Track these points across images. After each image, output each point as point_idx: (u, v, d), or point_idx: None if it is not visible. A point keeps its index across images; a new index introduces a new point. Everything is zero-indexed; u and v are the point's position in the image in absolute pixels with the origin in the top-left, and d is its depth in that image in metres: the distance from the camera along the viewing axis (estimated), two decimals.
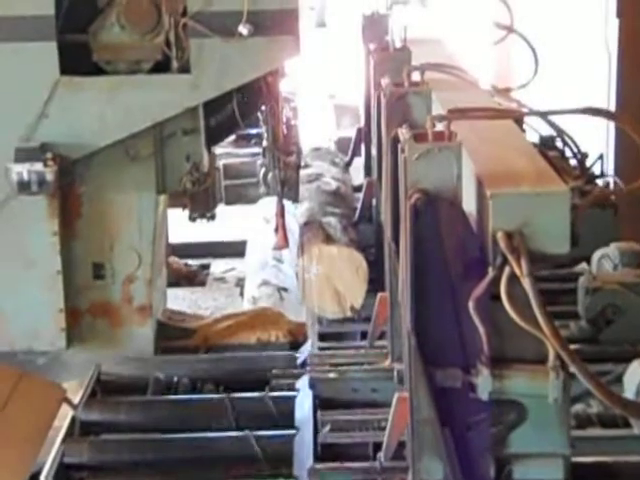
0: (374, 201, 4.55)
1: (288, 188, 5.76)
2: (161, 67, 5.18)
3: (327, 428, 3.74)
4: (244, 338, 5.74)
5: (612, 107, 5.97)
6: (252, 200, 8.41)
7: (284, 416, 4.37)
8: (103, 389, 4.89)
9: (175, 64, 5.12)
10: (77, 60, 5.10)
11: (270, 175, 5.94)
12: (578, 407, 3.13)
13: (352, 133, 5.80)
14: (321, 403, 3.95)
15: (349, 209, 4.78)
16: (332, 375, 3.99)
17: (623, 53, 5.96)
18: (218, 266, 7.71)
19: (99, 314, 5.42)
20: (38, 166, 5.00)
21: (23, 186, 5.02)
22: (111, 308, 5.42)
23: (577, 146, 3.71)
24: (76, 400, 4.62)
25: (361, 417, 3.79)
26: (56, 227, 5.21)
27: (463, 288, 2.34)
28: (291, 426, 4.26)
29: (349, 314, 4.17)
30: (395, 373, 3.59)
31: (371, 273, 4.15)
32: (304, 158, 5.53)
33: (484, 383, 2.31)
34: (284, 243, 5.81)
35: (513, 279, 2.22)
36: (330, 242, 4.14)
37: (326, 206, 4.62)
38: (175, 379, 4.93)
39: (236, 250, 7.60)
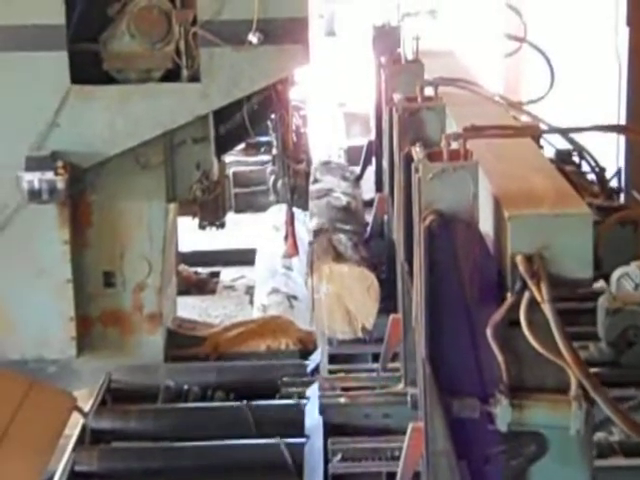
0: (386, 217, 4.46)
1: (298, 196, 5.76)
2: (171, 76, 5.20)
3: (338, 457, 3.64)
4: (254, 346, 5.74)
5: (622, 114, 5.95)
6: (262, 208, 8.43)
7: (294, 424, 4.37)
8: (113, 397, 4.89)
9: (185, 73, 5.14)
10: (88, 69, 5.13)
11: (280, 183, 5.95)
12: (599, 435, 3.01)
13: (362, 142, 5.78)
14: (331, 430, 3.83)
15: (360, 225, 4.68)
16: (343, 400, 3.87)
17: (633, 61, 5.95)
18: (228, 274, 7.71)
19: (109, 322, 5.43)
20: (49, 175, 5.02)
21: (34, 195, 5.03)
22: (121, 316, 5.43)
23: (596, 161, 3.56)
24: (86, 408, 4.62)
25: (373, 445, 3.67)
26: (67, 235, 5.22)
27: (480, 314, 2.25)
28: (301, 434, 4.26)
29: (360, 335, 4.03)
30: (408, 398, 3.46)
31: (383, 291, 4.04)
32: (313, 172, 5.41)
33: (503, 413, 2.21)
34: (294, 251, 5.80)
35: (533, 305, 2.13)
36: (340, 260, 4.01)
37: (336, 222, 4.52)
38: (185, 387, 4.93)
39: (246, 258, 7.60)
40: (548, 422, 2.22)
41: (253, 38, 4.94)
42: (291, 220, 5.70)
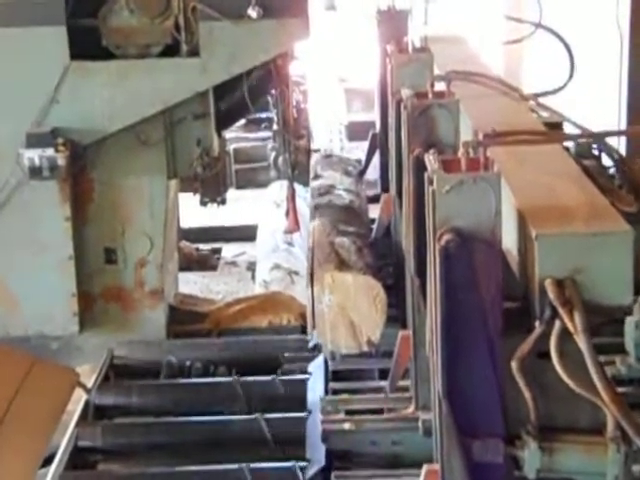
0: (392, 219, 4.21)
1: (299, 172, 5.75)
2: (171, 51, 5.17)
3: None
4: (256, 322, 5.75)
5: (624, 86, 5.92)
6: (263, 184, 8.43)
7: (296, 399, 4.38)
8: (116, 373, 4.91)
9: (184, 48, 5.11)
10: (87, 45, 5.10)
11: (280, 159, 5.93)
12: (635, 468, 2.79)
13: (363, 117, 5.71)
14: (335, 459, 3.55)
15: (364, 226, 4.36)
16: (347, 426, 3.61)
17: (635, 32, 5.91)
18: (229, 250, 7.71)
19: (111, 298, 5.44)
20: (49, 151, 5.00)
21: (35, 171, 5.02)
22: (123, 292, 5.44)
23: (622, 159, 3.10)
24: (89, 384, 4.64)
25: None
26: (68, 212, 5.22)
27: (504, 344, 2.01)
28: (303, 409, 4.28)
29: (366, 349, 3.69)
30: (420, 424, 3.21)
31: (390, 298, 3.70)
32: (314, 167, 5.20)
33: (531, 458, 1.96)
34: (295, 226, 5.80)
35: (565, 335, 1.89)
36: (344, 268, 3.70)
37: (338, 224, 4.19)
38: (188, 363, 4.95)
39: (247, 234, 7.60)
40: (582, 468, 1.98)
41: (252, 12, 4.91)
42: (292, 196, 5.69)
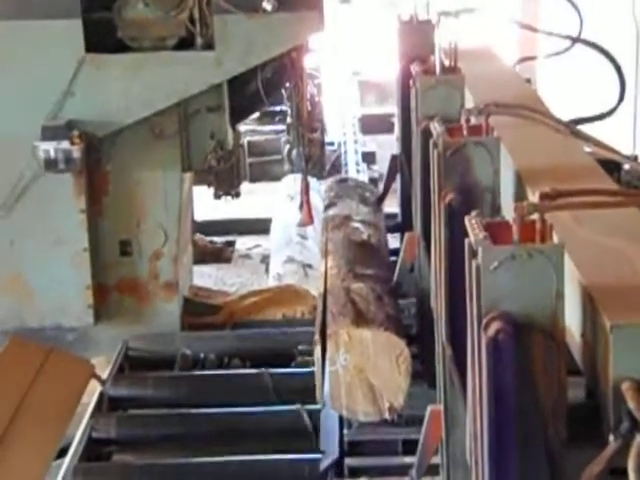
0: (417, 262, 3.70)
1: (312, 165, 5.75)
2: (185, 44, 5.18)
3: None
4: (270, 314, 5.76)
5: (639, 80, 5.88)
6: (276, 177, 8.44)
7: (310, 391, 4.39)
8: (131, 365, 4.94)
9: (199, 40, 5.12)
10: (102, 37, 5.11)
11: (294, 152, 5.94)
12: None
13: (377, 110, 5.68)
14: None
15: (384, 267, 3.87)
16: None
17: None
18: (243, 243, 7.74)
19: (126, 290, 5.46)
20: (65, 144, 5.02)
21: (50, 164, 5.04)
22: (138, 284, 5.46)
23: None
24: (104, 376, 4.67)
25: None
26: (83, 205, 5.24)
27: (568, 459, 1.68)
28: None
29: (387, 416, 3.24)
30: None
31: (412, 351, 3.26)
32: (327, 193, 4.90)
33: None
34: (309, 220, 5.81)
35: None
36: (362, 322, 3.25)
37: (355, 266, 3.72)
38: (202, 355, 4.96)
39: (261, 227, 7.62)
40: None
41: (267, 5, 4.91)
42: (306, 189, 5.70)
